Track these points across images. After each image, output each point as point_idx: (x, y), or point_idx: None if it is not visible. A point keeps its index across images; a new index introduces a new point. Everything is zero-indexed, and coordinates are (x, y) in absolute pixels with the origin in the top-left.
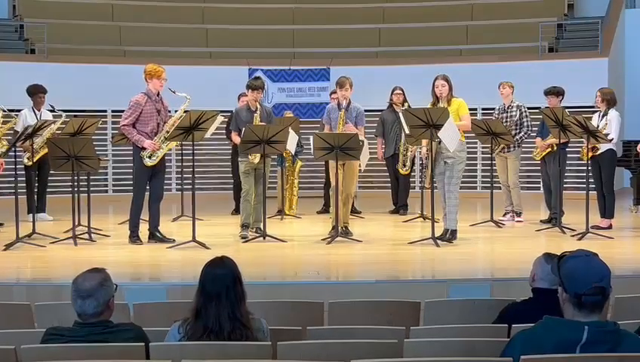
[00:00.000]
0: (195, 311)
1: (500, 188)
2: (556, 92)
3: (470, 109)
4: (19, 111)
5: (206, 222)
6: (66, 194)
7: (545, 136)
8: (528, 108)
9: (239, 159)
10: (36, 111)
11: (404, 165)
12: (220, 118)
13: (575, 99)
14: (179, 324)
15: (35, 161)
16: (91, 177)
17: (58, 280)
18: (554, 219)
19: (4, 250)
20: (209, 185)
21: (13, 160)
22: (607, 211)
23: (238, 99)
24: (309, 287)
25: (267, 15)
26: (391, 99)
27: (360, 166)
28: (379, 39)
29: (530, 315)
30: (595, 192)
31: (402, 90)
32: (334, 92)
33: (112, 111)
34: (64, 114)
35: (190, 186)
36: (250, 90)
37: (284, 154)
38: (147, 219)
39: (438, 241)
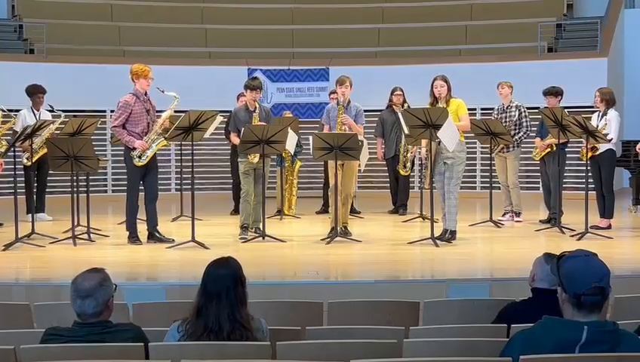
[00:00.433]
0: (197, 310)
1: (499, 188)
2: (555, 92)
3: (469, 109)
4: (18, 111)
5: (205, 222)
6: (66, 194)
7: (544, 136)
8: (527, 109)
9: (238, 159)
10: (35, 111)
11: (405, 166)
12: (219, 118)
13: (574, 99)
14: (178, 324)
15: (34, 161)
16: (90, 177)
17: (57, 281)
18: (553, 219)
19: (4, 250)
20: (208, 185)
21: (13, 160)
22: (606, 211)
23: (237, 99)
24: (309, 287)
25: (266, 15)
26: (391, 100)
27: (360, 166)
28: (378, 39)
29: (529, 315)
30: (595, 192)
31: (402, 91)
32: (334, 92)
33: (111, 111)
34: (63, 114)
35: (189, 186)
36: (248, 91)
37: (283, 155)
38: (144, 219)
39: (438, 241)
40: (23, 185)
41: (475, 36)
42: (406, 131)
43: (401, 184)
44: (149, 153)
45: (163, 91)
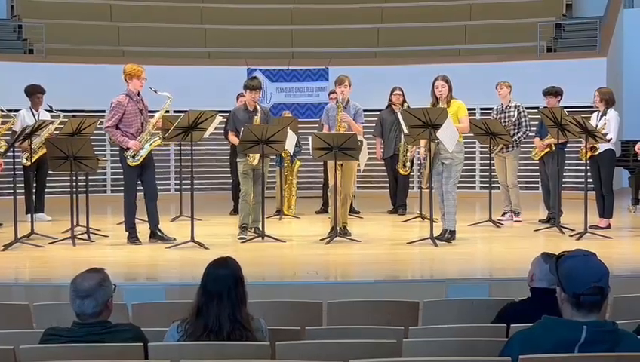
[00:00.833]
0: (197, 309)
1: (498, 188)
2: (555, 92)
3: (469, 109)
4: (17, 111)
5: (204, 222)
6: (65, 194)
7: (543, 136)
8: (527, 108)
9: (237, 160)
10: (34, 111)
11: (405, 165)
12: (218, 118)
13: (573, 99)
14: (177, 324)
15: (33, 161)
16: (90, 177)
17: (57, 281)
18: (552, 219)
19: (3, 250)
20: (207, 185)
21: (12, 160)
22: (605, 211)
23: (237, 99)
24: (308, 287)
25: (265, 15)
26: (390, 100)
27: (359, 166)
28: (377, 39)
29: (528, 315)
30: (594, 192)
31: (402, 91)
32: (333, 92)
33: None
34: (62, 114)
35: (189, 186)
36: (247, 91)
37: (282, 155)
38: (145, 218)
39: (437, 241)
40: (23, 185)
41: (474, 36)
42: (405, 131)
43: (400, 184)
44: (143, 153)
45: (156, 91)
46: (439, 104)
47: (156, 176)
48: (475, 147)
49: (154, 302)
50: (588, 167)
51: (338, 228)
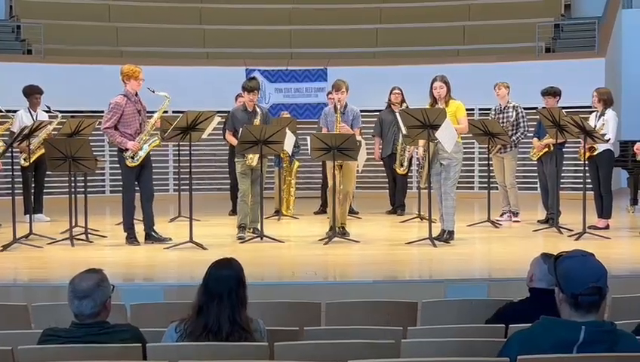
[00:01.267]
0: (197, 308)
1: (497, 188)
2: (553, 92)
3: (467, 110)
4: (15, 111)
5: (203, 223)
6: (63, 194)
7: (542, 137)
8: (525, 109)
9: (235, 160)
10: (32, 111)
11: (402, 165)
12: (217, 119)
13: (572, 99)
14: (176, 324)
15: (31, 161)
16: (88, 178)
17: (55, 281)
18: (551, 220)
19: (2, 250)
20: (206, 185)
21: (10, 161)
22: (604, 211)
23: (236, 99)
24: (307, 288)
25: (264, 15)
26: (389, 100)
27: (358, 166)
28: (376, 39)
29: (527, 315)
30: (593, 192)
31: (401, 91)
32: (332, 92)
33: None
34: (60, 114)
35: (187, 187)
36: (246, 92)
37: (281, 155)
38: (142, 219)
39: (436, 241)
40: (21, 185)
41: (473, 36)
42: (404, 131)
43: (399, 184)
44: (142, 154)
45: (154, 91)
46: (438, 104)
47: (154, 177)
48: (473, 147)
49: (152, 303)
50: (586, 168)
51: (337, 228)
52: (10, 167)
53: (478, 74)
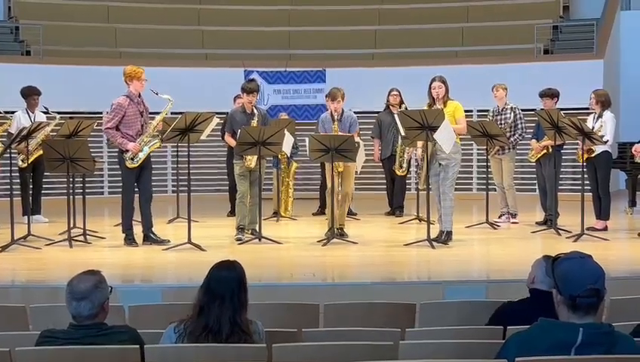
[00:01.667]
0: (198, 308)
1: (495, 189)
2: (551, 94)
3: (466, 111)
4: (13, 113)
5: (201, 224)
6: (62, 196)
7: (540, 138)
8: (523, 110)
9: (234, 161)
10: (30, 113)
11: (401, 166)
12: (215, 120)
13: (570, 100)
14: (174, 326)
15: (29, 162)
16: (87, 179)
17: (53, 283)
18: (549, 221)
19: (0, 252)
20: (204, 186)
21: (9, 162)
22: (602, 213)
23: (234, 100)
24: (305, 289)
25: (263, 17)
26: (388, 101)
27: (356, 168)
28: (375, 41)
29: (526, 316)
30: (591, 194)
31: (399, 92)
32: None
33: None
34: (58, 115)
35: (186, 188)
36: (244, 94)
37: (279, 156)
38: (140, 220)
39: (434, 243)
40: (19, 187)
41: (471, 38)
42: (402, 133)
43: (397, 185)
44: (142, 155)
45: (157, 93)
46: (436, 105)
47: (153, 178)
48: (472, 149)
49: (150, 304)
50: (585, 169)
51: (335, 229)
52: (8, 168)
53: (477, 75)
